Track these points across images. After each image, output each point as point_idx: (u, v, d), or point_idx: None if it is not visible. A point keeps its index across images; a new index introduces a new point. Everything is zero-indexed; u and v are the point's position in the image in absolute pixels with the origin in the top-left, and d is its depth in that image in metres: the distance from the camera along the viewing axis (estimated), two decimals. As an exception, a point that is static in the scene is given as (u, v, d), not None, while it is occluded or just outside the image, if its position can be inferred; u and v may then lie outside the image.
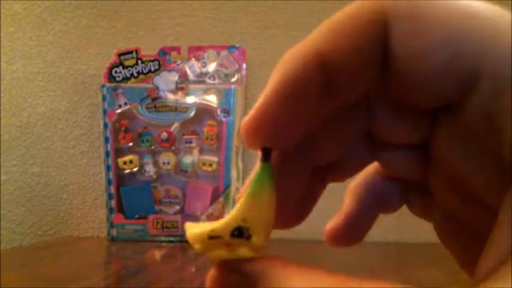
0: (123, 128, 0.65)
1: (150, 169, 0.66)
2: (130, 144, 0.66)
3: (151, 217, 0.64)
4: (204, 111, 0.65)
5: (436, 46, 0.12)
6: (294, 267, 0.13)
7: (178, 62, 0.67)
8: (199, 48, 0.67)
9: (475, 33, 0.12)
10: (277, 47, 0.71)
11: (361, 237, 0.18)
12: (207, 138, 0.64)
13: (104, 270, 0.51)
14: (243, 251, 0.14)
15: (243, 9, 0.72)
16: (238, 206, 0.14)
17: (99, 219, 0.73)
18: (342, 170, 0.17)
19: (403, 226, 0.62)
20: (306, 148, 0.16)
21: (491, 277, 0.11)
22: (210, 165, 0.64)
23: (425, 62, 0.12)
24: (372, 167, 0.18)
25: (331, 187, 0.18)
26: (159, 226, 0.64)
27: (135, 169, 0.66)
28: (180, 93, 0.65)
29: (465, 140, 0.13)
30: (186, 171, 0.65)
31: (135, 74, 0.67)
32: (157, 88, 0.65)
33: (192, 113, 0.65)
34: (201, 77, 0.67)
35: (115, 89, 0.65)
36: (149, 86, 0.66)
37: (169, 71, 0.66)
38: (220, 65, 0.67)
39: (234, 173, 0.65)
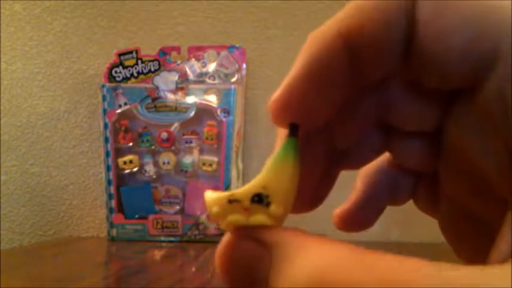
0: (123, 128, 0.65)
1: (150, 169, 0.66)
2: (130, 144, 0.66)
3: (151, 217, 0.64)
4: (204, 111, 0.65)
5: (457, 27, 0.12)
6: (314, 239, 0.12)
7: (178, 62, 0.67)
8: (199, 48, 0.67)
9: (495, 15, 0.12)
10: (277, 47, 0.71)
11: (370, 223, 0.18)
12: (207, 138, 0.64)
13: (104, 270, 0.51)
14: (261, 218, 0.13)
15: (243, 9, 0.72)
16: (260, 174, 0.14)
17: (99, 219, 0.73)
18: (355, 158, 0.17)
19: (403, 226, 0.62)
20: (323, 132, 0.16)
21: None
22: (210, 165, 0.64)
23: (447, 42, 0.12)
24: (384, 158, 0.18)
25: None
26: (159, 226, 0.64)
27: (135, 169, 0.66)
28: (180, 93, 0.65)
29: (479, 125, 0.13)
30: (186, 171, 0.65)
31: (135, 74, 0.67)
32: (157, 88, 0.65)
33: (192, 113, 0.65)
34: (201, 77, 0.67)
35: (115, 89, 0.65)
36: (149, 86, 0.66)
37: (169, 71, 0.66)
38: (220, 65, 0.67)
39: (234, 173, 0.65)
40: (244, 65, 0.67)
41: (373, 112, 0.16)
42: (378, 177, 0.18)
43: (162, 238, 0.64)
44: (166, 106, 0.65)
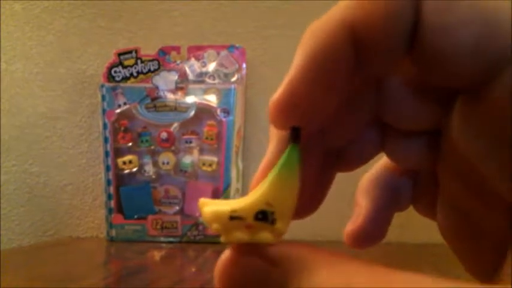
0: (122, 128, 0.65)
1: (149, 169, 0.66)
2: (130, 144, 0.66)
3: (150, 217, 0.64)
4: (203, 111, 0.65)
5: (467, 21, 0.11)
6: (326, 255, 0.12)
7: (178, 61, 0.67)
8: (199, 48, 0.67)
9: (507, 10, 0.11)
10: (277, 47, 0.71)
11: (383, 236, 0.18)
12: (206, 138, 0.64)
13: (104, 270, 0.51)
14: (265, 236, 0.13)
15: (243, 9, 0.72)
16: (262, 187, 0.13)
17: (98, 219, 0.73)
18: (350, 159, 0.17)
19: (403, 226, 0.62)
20: (318, 132, 0.15)
21: None
22: (210, 165, 0.64)
23: (455, 37, 0.12)
24: (381, 164, 0.17)
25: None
26: (158, 226, 0.64)
27: (135, 169, 0.65)
28: (179, 93, 0.65)
29: (482, 126, 0.12)
30: (185, 171, 0.65)
31: (135, 74, 0.67)
32: (157, 88, 0.65)
33: (192, 113, 0.65)
34: (200, 77, 0.67)
35: (114, 89, 0.65)
36: (149, 85, 0.66)
37: (169, 70, 0.66)
38: (220, 64, 0.67)
39: (234, 173, 0.64)
40: (244, 65, 0.67)
41: (369, 110, 0.15)
42: (380, 189, 0.17)
43: (162, 238, 0.64)
44: (166, 106, 0.65)
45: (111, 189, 0.65)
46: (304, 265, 0.12)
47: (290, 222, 0.13)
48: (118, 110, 0.65)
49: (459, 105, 0.13)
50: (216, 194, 0.64)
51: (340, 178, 0.18)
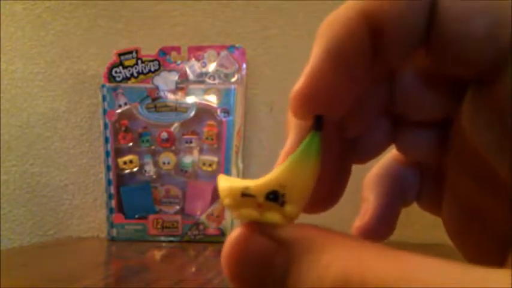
0: (123, 128, 0.65)
1: (150, 169, 0.66)
2: (130, 144, 0.66)
3: (151, 217, 0.64)
4: (204, 111, 0.65)
5: (481, 10, 0.12)
6: (338, 235, 0.11)
7: (178, 62, 0.67)
8: (199, 48, 0.67)
9: None
10: (277, 47, 0.71)
11: (391, 231, 0.17)
12: (207, 138, 0.64)
13: (104, 270, 0.51)
14: (274, 217, 0.13)
15: (243, 9, 0.72)
16: (279, 168, 0.13)
17: (99, 219, 0.73)
18: (363, 151, 0.17)
19: (403, 226, 0.62)
20: (334, 123, 0.15)
21: None
22: (210, 165, 0.64)
23: (468, 25, 0.12)
24: (387, 159, 0.17)
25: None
26: (159, 226, 0.64)
27: (135, 169, 0.66)
28: (180, 93, 0.65)
29: (495, 119, 0.12)
30: (186, 171, 0.65)
31: (135, 74, 0.67)
32: (157, 88, 0.65)
33: (192, 113, 0.65)
34: (201, 77, 0.67)
35: (115, 89, 0.65)
36: (149, 86, 0.66)
37: (169, 71, 0.66)
38: (220, 65, 0.67)
39: (234, 173, 0.64)
40: (244, 65, 0.67)
41: (382, 101, 0.15)
42: (387, 183, 0.17)
43: (162, 238, 0.64)
44: (166, 106, 0.65)
45: (112, 189, 0.65)
46: (313, 247, 0.11)
47: (302, 208, 0.13)
48: (119, 110, 0.65)
49: (470, 95, 0.13)
50: (216, 194, 0.64)
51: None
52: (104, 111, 0.65)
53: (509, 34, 0.11)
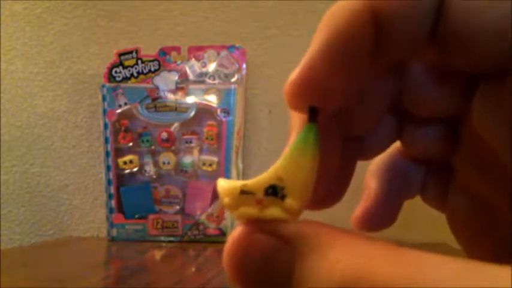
0: (123, 128, 0.65)
1: (150, 169, 0.66)
2: (130, 144, 0.66)
3: (151, 217, 0.64)
4: (204, 111, 0.65)
5: (491, 3, 0.11)
6: (343, 232, 0.11)
7: (178, 62, 0.67)
8: (199, 48, 0.67)
9: None
10: (277, 47, 0.71)
11: (392, 221, 0.17)
12: (207, 138, 0.64)
13: (104, 270, 0.51)
14: (275, 212, 0.12)
15: (243, 9, 0.72)
16: (276, 163, 0.13)
17: (99, 219, 0.73)
18: (368, 147, 0.16)
19: (403, 226, 0.62)
20: (338, 118, 0.15)
21: None
22: (210, 165, 0.64)
23: (482, 17, 0.11)
24: (392, 149, 0.17)
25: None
26: (159, 226, 0.64)
27: (135, 169, 0.66)
28: (180, 93, 0.65)
29: (503, 110, 0.12)
30: (186, 171, 0.65)
31: (135, 74, 0.67)
32: (157, 88, 0.65)
33: (192, 113, 0.65)
34: (201, 77, 0.67)
35: (115, 89, 0.65)
36: (149, 86, 0.66)
37: (169, 71, 0.66)
38: (220, 65, 0.67)
39: (234, 173, 0.64)
40: (244, 65, 0.67)
41: (389, 97, 0.15)
42: (391, 172, 0.17)
43: (162, 238, 0.64)
44: (166, 106, 0.65)
45: (112, 189, 0.65)
46: (319, 243, 0.11)
47: (305, 202, 0.13)
48: (119, 110, 0.65)
49: (480, 91, 0.13)
50: (216, 194, 0.63)
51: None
52: (104, 111, 0.65)
53: None
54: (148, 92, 0.65)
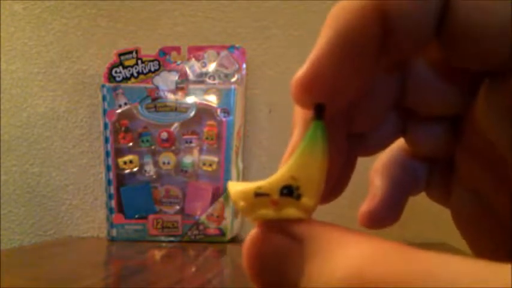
0: (123, 128, 0.65)
1: (150, 169, 0.66)
2: (130, 144, 0.66)
3: (151, 217, 0.64)
4: (204, 111, 0.65)
5: (497, 2, 0.11)
6: (351, 232, 0.11)
7: (178, 62, 0.67)
8: (199, 48, 0.67)
9: None
10: (277, 47, 0.71)
11: (397, 218, 0.17)
12: (207, 138, 0.64)
13: (104, 270, 0.51)
14: (291, 211, 0.12)
15: (243, 9, 0.72)
16: (287, 163, 0.13)
17: (99, 219, 0.73)
18: (370, 143, 0.16)
19: (403, 226, 0.62)
20: (342, 115, 0.15)
21: None
22: (210, 165, 0.64)
23: (489, 14, 0.11)
24: (396, 148, 0.17)
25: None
26: (159, 226, 0.64)
27: (135, 169, 0.66)
28: (180, 93, 0.65)
29: (507, 108, 0.12)
30: (186, 171, 0.65)
31: (135, 74, 0.67)
32: (157, 88, 0.65)
33: (192, 113, 0.65)
34: (201, 77, 0.67)
35: (115, 89, 0.65)
36: (149, 86, 0.66)
37: (169, 71, 0.66)
38: (220, 65, 0.67)
39: (234, 173, 0.64)
40: (244, 65, 0.67)
41: (392, 94, 0.15)
42: (396, 170, 0.17)
43: (162, 238, 0.64)
44: (166, 106, 0.65)
45: (112, 189, 0.65)
46: (327, 243, 0.11)
47: (319, 198, 0.13)
48: (119, 110, 0.65)
49: (485, 88, 0.13)
50: (216, 194, 0.64)
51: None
52: (104, 111, 0.65)
53: None
54: (148, 92, 0.65)
